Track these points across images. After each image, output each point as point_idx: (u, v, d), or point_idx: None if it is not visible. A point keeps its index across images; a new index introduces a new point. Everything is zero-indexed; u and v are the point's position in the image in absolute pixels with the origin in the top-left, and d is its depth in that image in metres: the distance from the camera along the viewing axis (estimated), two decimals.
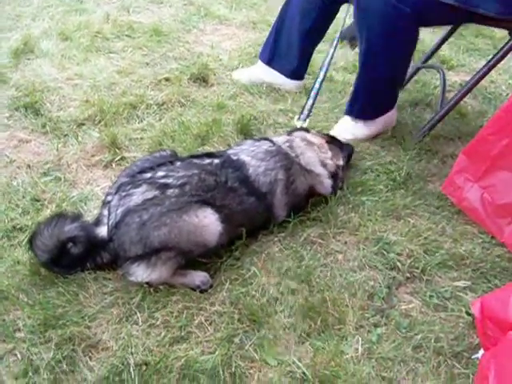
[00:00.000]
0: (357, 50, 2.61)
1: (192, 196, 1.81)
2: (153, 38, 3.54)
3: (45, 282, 1.76)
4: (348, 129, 2.65)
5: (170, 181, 1.82)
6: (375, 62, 2.44)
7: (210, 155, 2.02)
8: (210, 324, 1.70)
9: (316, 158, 2.18)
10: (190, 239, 1.78)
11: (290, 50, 2.97)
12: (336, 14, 2.86)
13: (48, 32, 3.43)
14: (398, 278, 1.90)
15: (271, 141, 2.16)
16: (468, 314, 1.79)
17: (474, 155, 2.19)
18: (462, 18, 2.44)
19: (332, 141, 2.35)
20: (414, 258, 1.97)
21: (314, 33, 2.92)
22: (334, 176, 2.21)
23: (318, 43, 3.02)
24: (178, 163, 1.91)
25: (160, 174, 1.85)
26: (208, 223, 1.81)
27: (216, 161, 1.96)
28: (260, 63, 3.09)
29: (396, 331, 1.73)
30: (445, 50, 3.67)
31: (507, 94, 3.32)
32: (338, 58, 2.86)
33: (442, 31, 3.10)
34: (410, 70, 3.21)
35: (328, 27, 2.93)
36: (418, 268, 1.94)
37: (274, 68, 3.04)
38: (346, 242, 2.03)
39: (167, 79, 3.03)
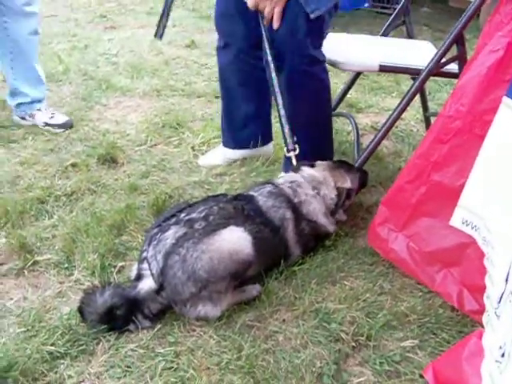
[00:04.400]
0: None
1: (217, 224, 1.94)
2: None
3: None
4: None
5: (193, 215, 1.97)
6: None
7: (223, 195, 2.24)
8: None
9: (320, 208, 2.23)
10: (232, 258, 1.87)
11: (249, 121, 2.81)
12: None
13: None
14: (344, 350, 1.79)
15: (273, 183, 2.25)
16: (421, 376, 1.70)
17: (394, 205, 2.15)
18: None
19: (338, 166, 2.39)
20: (356, 325, 1.87)
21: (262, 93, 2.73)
22: (336, 203, 2.28)
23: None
24: (195, 204, 2.08)
25: (182, 215, 1.99)
26: (240, 237, 1.93)
27: (229, 196, 2.18)
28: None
29: None
30: (351, 93, 3.70)
31: (418, 130, 3.37)
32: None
33: (347, 75, 3.11)
34: None
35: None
36: (362, 335, 1.84)
37: (244, 149, 2.87)
38: (284, 320, 1.91)
39: (74, 165, 2.87)
